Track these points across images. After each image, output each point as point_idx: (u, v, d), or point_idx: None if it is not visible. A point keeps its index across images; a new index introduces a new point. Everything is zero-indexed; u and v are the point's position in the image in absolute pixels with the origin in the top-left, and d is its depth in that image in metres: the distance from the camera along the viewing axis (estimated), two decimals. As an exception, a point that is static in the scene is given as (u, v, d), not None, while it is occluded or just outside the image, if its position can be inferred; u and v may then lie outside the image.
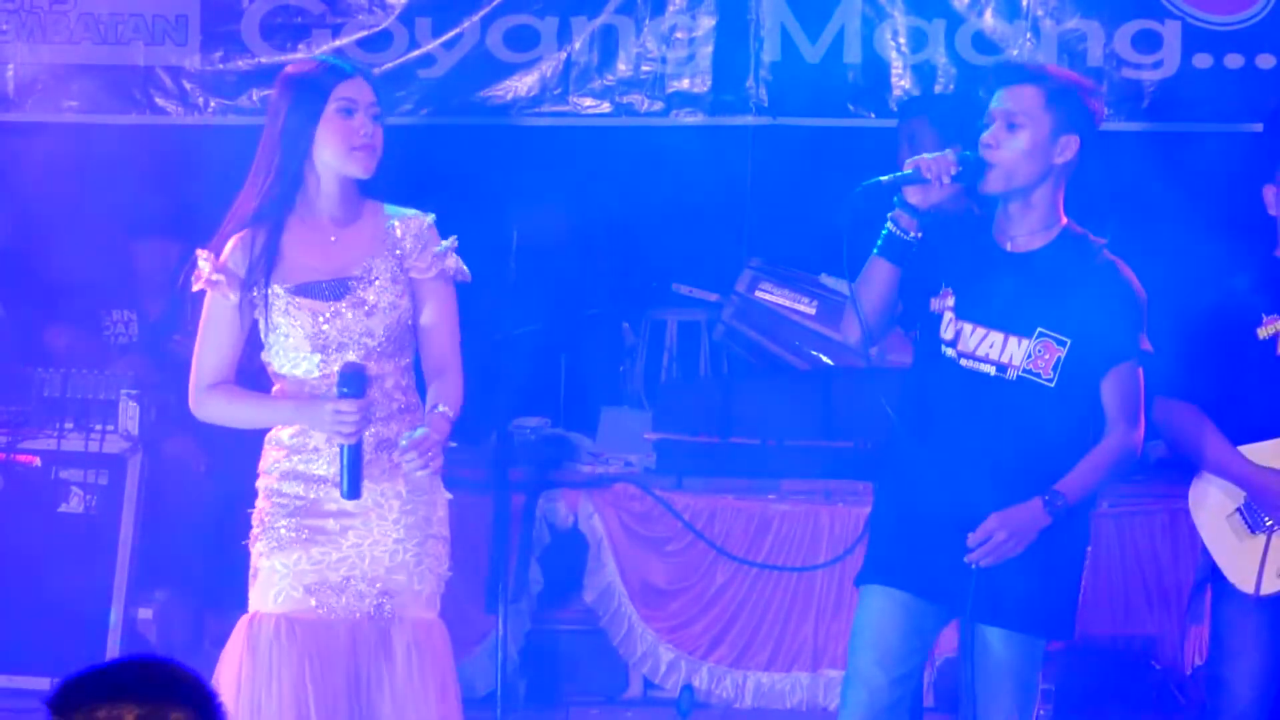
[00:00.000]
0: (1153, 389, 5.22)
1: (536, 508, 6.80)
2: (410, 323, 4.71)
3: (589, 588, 6.86)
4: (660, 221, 7.88)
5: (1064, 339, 4.60)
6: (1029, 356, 4.60)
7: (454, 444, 4.93)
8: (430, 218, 4.76)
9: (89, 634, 6.69)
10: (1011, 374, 4.61)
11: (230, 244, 4.62)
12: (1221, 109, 7.83)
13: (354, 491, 4.57)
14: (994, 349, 4.62)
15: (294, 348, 4.62)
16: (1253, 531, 5.08)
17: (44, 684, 6.49)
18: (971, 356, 4.63)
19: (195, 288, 4.63)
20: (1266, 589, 5.04)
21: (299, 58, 7.92)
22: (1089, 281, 4.65)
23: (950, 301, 4.65)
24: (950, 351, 4.64)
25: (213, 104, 8.00)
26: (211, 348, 4.66)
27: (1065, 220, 4.71)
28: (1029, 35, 7.89)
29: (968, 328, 4.64)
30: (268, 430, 4.70)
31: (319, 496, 4.63)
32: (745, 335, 7.37)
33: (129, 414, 6.87)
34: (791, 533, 6.77)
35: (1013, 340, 4.61)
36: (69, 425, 6.89)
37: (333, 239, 4.66)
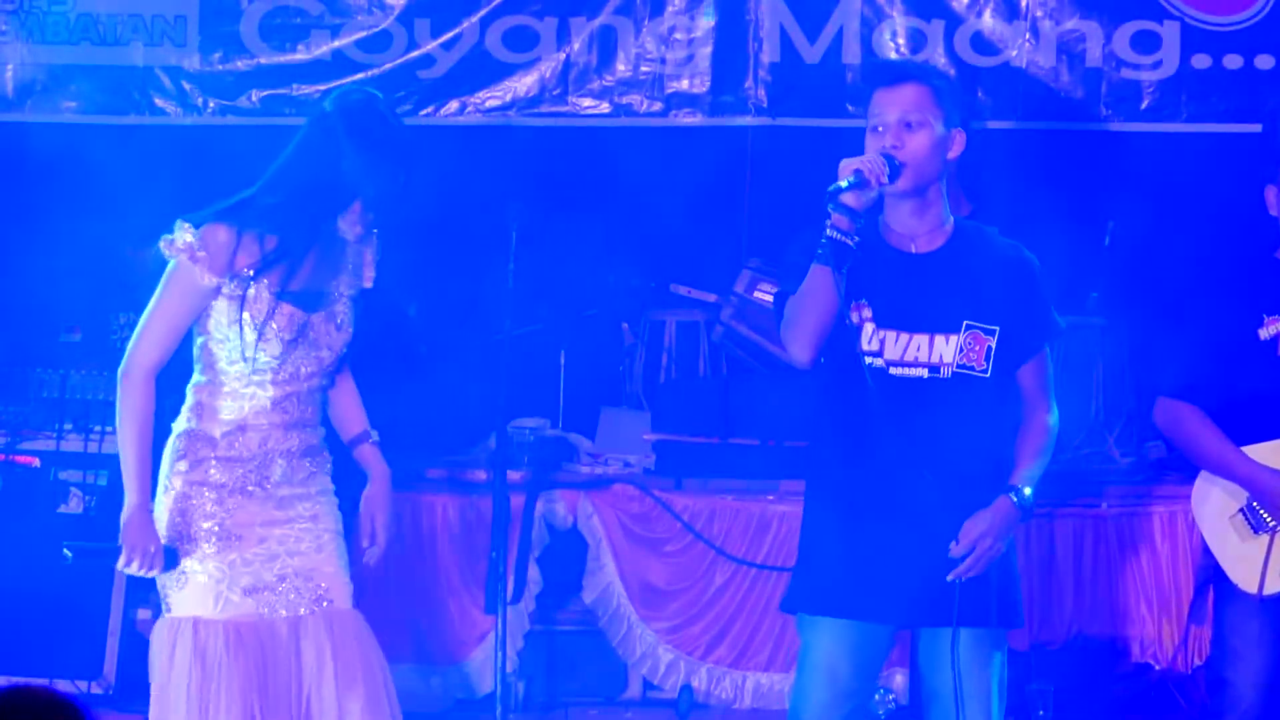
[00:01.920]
0: (1154, 390, 5.23)
1: (536, 508, 6.80)
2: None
3: (588, 588, 6.86)
4: (659, 222, 7.87)
5: (992, 327, 4.61)
6: (960, 351, 4.60)
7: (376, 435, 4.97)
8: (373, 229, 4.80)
9: (88, 634, 6.70)
10: (946, 372, 4.60)
11: (224, 231, 4.58)
12: (1220, 109, 7.84)
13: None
14: (922, 351, 4.61)
15: (254, 346, 4.59)
16: (1255, 532, 5.08)
17: (43, 684, 6.50)
18: (900, 363, 4.60)
19: (169, 254, 4.58)
20: (1269, 590, 5.04)
21: (298, 58, 7.94)
22: (1001, 266, 4.68)
23: (868, 313, 4.62)
24: (877, 362, 4.60)
25: (212, 104, 8.00)
26: (162, 322, 4.60)
27: (952, 215, 4.73)
28: (1028, 36, 7.89)
29: (891, 336, 4.61)
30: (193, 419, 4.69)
31: (242, 503, 4.63)
32: (744, 336, 7.36)
33: (128, 414, 6.86)
34: (790, 533, 6.75)
35: (940, 339, 4.60)
36: (68, 426, 6.90)
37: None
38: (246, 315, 4.57)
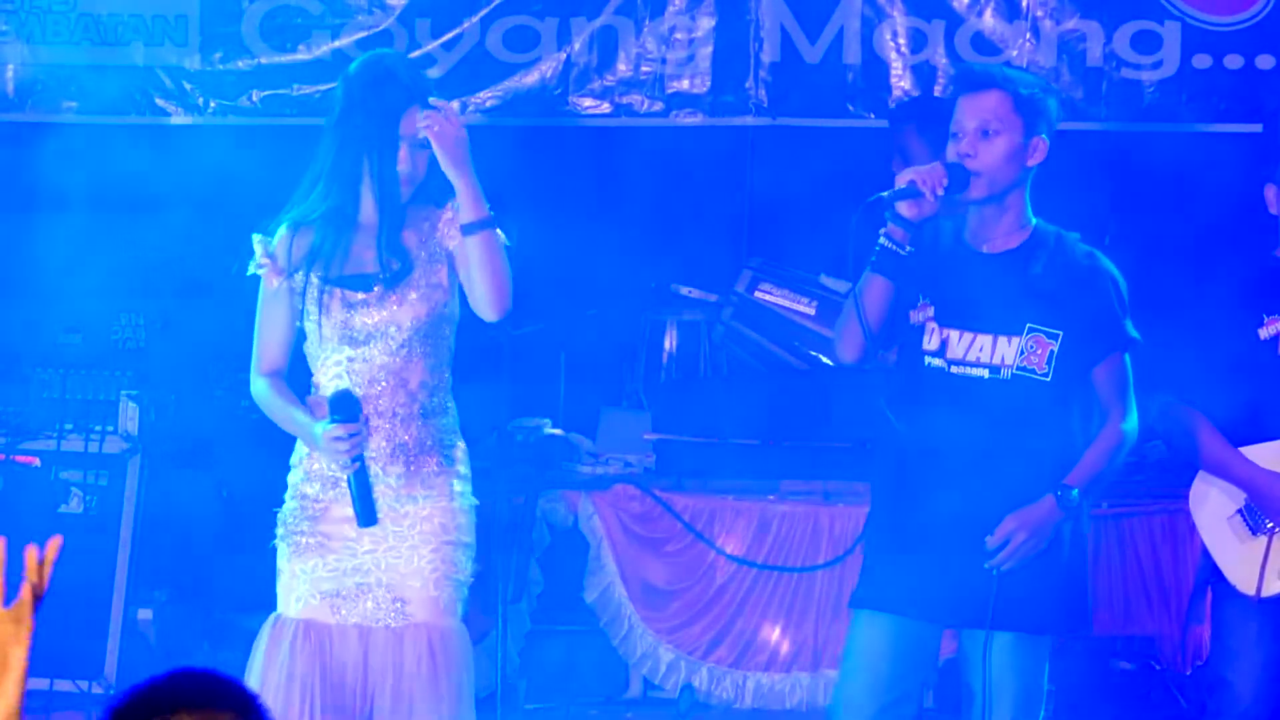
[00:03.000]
0: (1154, 390, 5.23)
1: (536, 508, 6.80)
2: (446, 313, 4.74)
3: (589, 588, 6.86)
4: (660, 222, 7.87)
5: (1055, 331, 4.64)
6: (1021, 353, 4.62)
7: None
8: None
9: (89, 634, 6.69)
10: (1005, 373, 4.63)
11: (283, 233, 4.72)
12: (1221, 109, 7.83)
13: (368, 519, 4.60)
14: (984, 352, 4.63)
15: (325, 339, 4.67)
16: (1253, 534, 5.08)
17: (44, 684, 6.50)
18: (961, 362, 4.64)
19: (249, 271, 4.75)
20: (1267, 591, 5.04)
21: (299, 58, 7.94)
22: (1073, 272, 4.70)
23: (930, 312, 4.66)
24: (938, 361, 4.65)
25: (213, 104, 7.99)
26: (261, 331, 4.77)
27: (1034, 219, 4.74)
28: (1028, 36, 7.88)
29: (954, 334, 4.65)
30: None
31: (334, 500, 4.66)
32: (745, 335, 7.36)
33: (129, 415, 6.86)
34: (791, 533, 6.76)
35: (1002, 340, 4.63)
36: (69, 426, 6.89)
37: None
38: (308, 308, 4.66)
